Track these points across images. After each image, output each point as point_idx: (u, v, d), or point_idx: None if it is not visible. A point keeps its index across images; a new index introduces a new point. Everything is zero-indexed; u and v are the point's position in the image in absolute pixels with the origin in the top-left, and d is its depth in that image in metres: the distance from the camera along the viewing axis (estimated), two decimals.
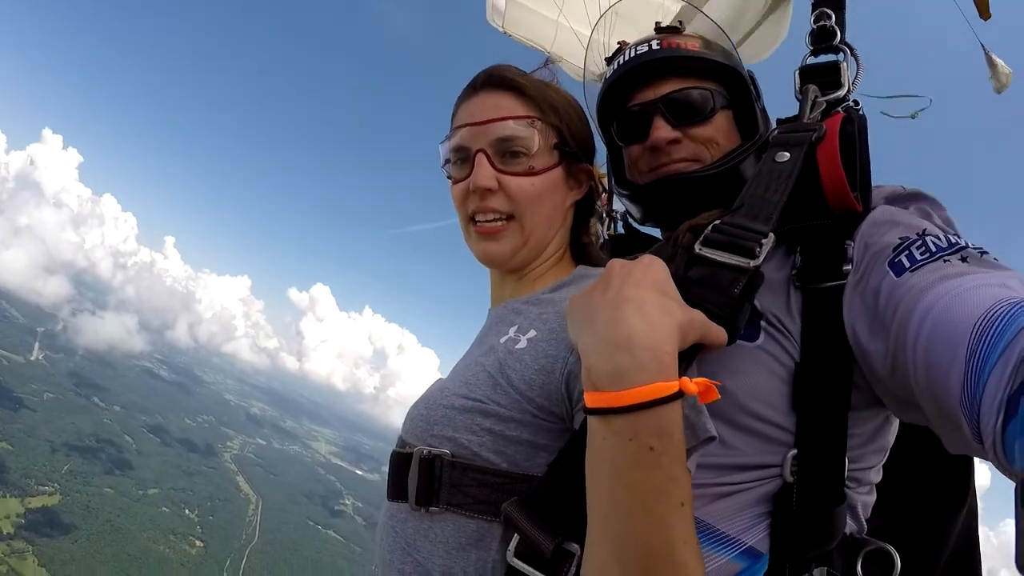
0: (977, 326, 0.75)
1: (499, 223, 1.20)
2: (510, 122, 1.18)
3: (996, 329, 0.73)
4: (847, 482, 1.01)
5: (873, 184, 1.11)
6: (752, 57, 2.15)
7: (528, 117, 1.20)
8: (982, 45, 1.84)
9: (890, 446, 1.11)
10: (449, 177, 1.29)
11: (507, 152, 1.18)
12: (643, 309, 0.81)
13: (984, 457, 0.75)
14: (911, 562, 1.08)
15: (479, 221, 1.22)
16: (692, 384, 0.78)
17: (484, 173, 1.17)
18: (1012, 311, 0.73)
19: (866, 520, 1.09)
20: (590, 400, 0.79)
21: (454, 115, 1.29)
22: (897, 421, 1.11)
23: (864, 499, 1.08)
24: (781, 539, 0.98)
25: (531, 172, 1.19)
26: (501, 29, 2.95)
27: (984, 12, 1.58)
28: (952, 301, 0.81)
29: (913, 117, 1.59)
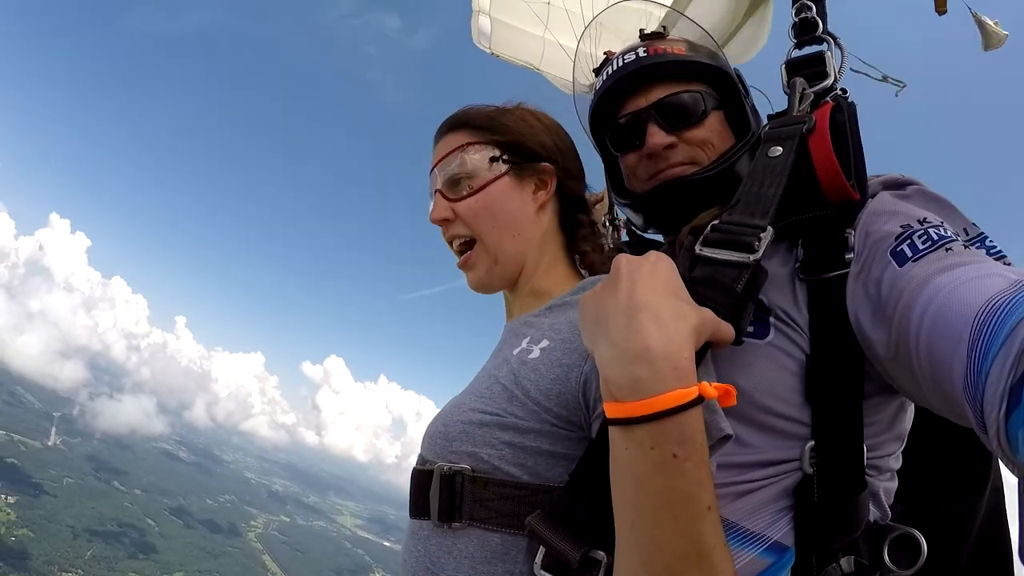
0: (979, 316, 0.75)
1: (468, 252, 1.29)
2: (446, 159, 1.29)
3: (998, 318, 0.73)
4: (867, 470, 1.00)
5: (869, 173, 1.11)
6: (736, 59, 2.20)
7: (458, 148, 1.29)
8: (968, 8, 1.82)
9: (907, 432, 1.10)
10: None
11: (452, 182, 1.29)
12: (658, 316, 0.79)
13: (988, 445, 0.75)
14: (939, 545, 1.06)
15: (459, 256, 1.32)
16: (712, 389, 0.78)
17: (438, 207, 1.29)
18: (1013, 300, 0.73)
19: (889, 506, 1.09)
20: (610, 411, 0.78)
21: None
22: (912, 407, 1.11)
23: (886, 485, 1.07)
24: (806, 531, 0.98)
25: (472, 191, 1.27)
26: (489, 51, 3.04)
27: (940, 5, 1.59)
28: (954, 292, 0.82)
29: (887, 81, 1.63)
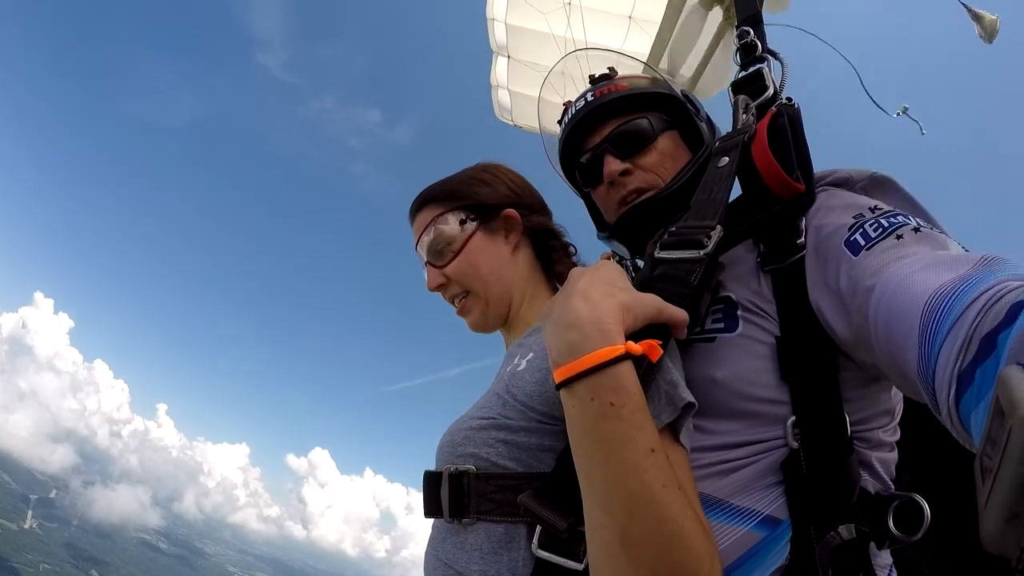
0: (927, 306, 0.78)
1: (463, 301, 1.45)
2: (422, 236, 1.45)
3: (943, 309, 0.76)
4: (856, 441, 1.02)
5: (831, 169, 1.20)
6: (713, 88, 2.37)
7: (431, 222, 1.43)
8: (962, 3, 1.90)
9: (897, 407, 1.11)
10: None
11: (436, 252, 1.44)
12: (588, 296, 0.91)
13: (944, 424, 0.76)
14: (954, 507, 1.08)
15: (456, 306, 1.48)
16: (637, 346, 0.87)
17: (431, 277, 1.45)
18: (957, 290, 0.76)
19: (893, 480, 1.09)
20: (556, 376, 0.88)
21: None
22: None
23: (881, 456, 1.08)
24: (799, 502, 1.01)
25: (456, 254, 1.42)
26: (511, 123, 3.25)
27: None
28: (903, 282, 0.86)
29: (901, 113, 1.80)
